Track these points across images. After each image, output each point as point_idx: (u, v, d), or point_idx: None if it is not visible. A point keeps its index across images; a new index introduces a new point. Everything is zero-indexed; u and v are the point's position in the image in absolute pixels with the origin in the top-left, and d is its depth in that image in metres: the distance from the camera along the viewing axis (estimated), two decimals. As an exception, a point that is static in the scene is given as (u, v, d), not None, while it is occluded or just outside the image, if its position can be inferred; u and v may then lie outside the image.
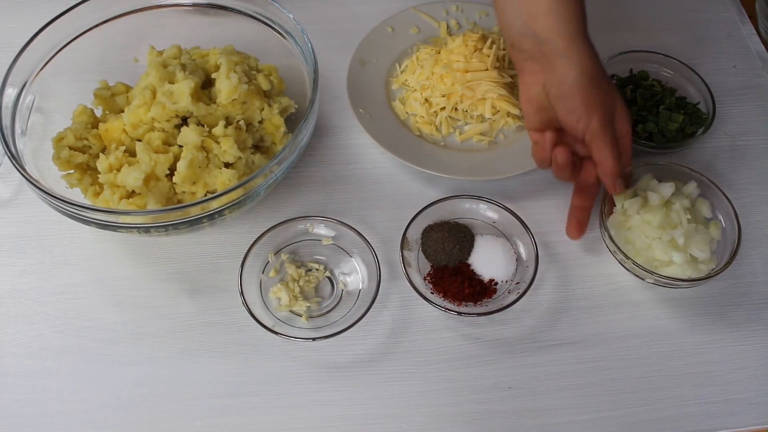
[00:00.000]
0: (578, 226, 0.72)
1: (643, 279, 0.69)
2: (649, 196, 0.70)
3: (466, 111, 0.81)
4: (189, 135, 0.68)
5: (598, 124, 0.64)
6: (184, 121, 0.70)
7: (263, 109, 0.72)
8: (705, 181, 0.72)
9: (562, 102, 0.65)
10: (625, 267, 0.70)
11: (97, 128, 0.72)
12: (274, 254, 0.72)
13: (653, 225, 0.68)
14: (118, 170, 0.68)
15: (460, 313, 0.67)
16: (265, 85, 0.73)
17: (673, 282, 0.67)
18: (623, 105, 0.67)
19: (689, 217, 0.69)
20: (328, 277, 0.72)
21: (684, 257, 0.67)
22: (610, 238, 0.69)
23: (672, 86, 0.83)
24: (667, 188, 0.70)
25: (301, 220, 0.72)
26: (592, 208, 0.73)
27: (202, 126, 0.70)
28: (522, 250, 0.72)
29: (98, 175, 0.69)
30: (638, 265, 0.67)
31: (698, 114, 0.80)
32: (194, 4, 0.79)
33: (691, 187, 0.71)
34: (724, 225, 0.70)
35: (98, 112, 0.75)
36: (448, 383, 0.67)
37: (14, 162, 0.64)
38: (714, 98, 0.79)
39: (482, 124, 0.81)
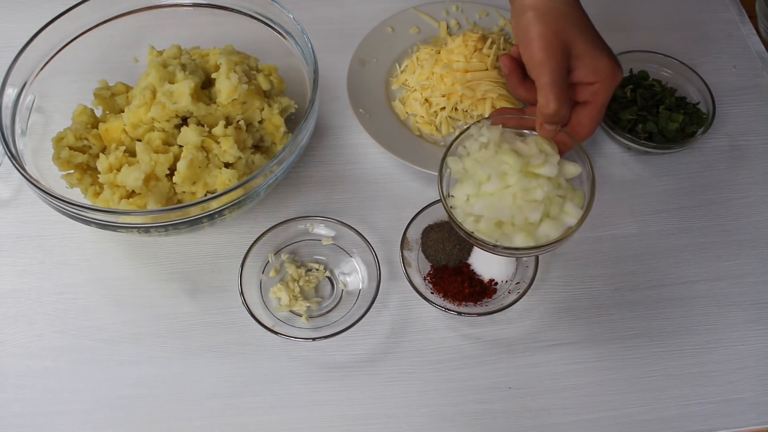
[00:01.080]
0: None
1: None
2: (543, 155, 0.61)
3: (466, 111, 0.81)
4: (189, 135, 0.68)
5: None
6: (184, 121, 0.70)
7: (263, 109, 0.72)
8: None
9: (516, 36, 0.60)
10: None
11: (97, 128, 0.72)
12: (274, 254, 0.72)
13: (501, 158, 0.60)
14: (118, 170, 0.68)
15: (460, 313, 0.67)
16: (265, 85, 0.73)
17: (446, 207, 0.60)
18: (593, 55, 0.59)
19: (521, 196, 0.59)
20: (328, 277, 0.72)
21: (473, 189, 0.60)
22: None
23: (672, 86, 0.83)
24: (549, 167, 0.60)
25: (301, 220, 0.72)
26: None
27: (202, 126, 0.70)
28: (522, 250, 0.72)
29: (98, 175, 0.69)
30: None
31: (698, 114, 0.80)
32: (194, 4, 0.79)
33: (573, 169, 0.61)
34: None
35: (98, 112, 0.75)
36: (448, 383, 0.67)
37: (14, 162, 0.64)
38: (714, 98, 0.79)
39: (482, 124, 0.81)
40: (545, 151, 0.61)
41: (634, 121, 0.79)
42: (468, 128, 0.62)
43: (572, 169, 0.61)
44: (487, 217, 0.59)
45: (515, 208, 0.59)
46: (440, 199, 0.61)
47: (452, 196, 0.61)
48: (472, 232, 0.59)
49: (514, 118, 0.64)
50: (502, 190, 0.59)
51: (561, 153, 0.62)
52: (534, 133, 0.62)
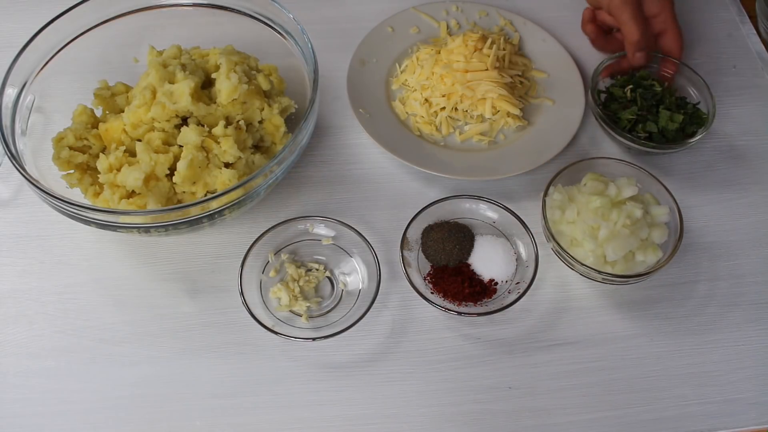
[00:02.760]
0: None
1: (558, 256, 0.70)
2: (611, 183, 0.71)
3: (466, 111, 0.81)
4: (189, 135, 0.68)
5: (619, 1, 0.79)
6: (184, 121, 0.70)
7: (263, 109, 0.72)
8: (674, 209, 0.70)
9: None
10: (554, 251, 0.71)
11: (97, 128, 0.72)
12: (274, 254, 0.72)
13: (590, 206, 0.69)
14: (118, 170, 0.68)
15: (460, 313, 0.67)
16: (265, 85, 0.73)
17: (582, 268, 0.67)
18: None
19: (628, 222, 0.67)
20: (328, 277, 0.72)
21: (594, 246, 0.67)
22: (545, 216, 0.70)
23: (672, 86, 0.83)
24: (629, 189, 0.69)
25: (301, 220, 0.72)
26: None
27: (202, 126, 0.70)
28: (522, 250, 0.72)
29: (98, 175, 0.69)
30: (555, 240, 0.69)
31: (698, 114, 0.79)
32: (194, 4, 0.79)
33: (661, 211, 0.70)
34: (662, 251, 0.69)
35: (98, 112, 0.74)
36: (448, 383, 0.67)
37: (14, 162, 0.64)
38: (714, 98, 0.79)
39: (482, 124, 0.81)
40: (605, 182, 0.71)
41: (634, 121, 0.78)
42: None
43: (661, 210, 0.70)
44: (623, 256, 0.67)
45: (632, 235, 0.67)
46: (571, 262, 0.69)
47: (577, 260, 0.68)
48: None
49: (619, 62, 0.83)
50: (615, 228, 0.67)
51: (671, 77, 0.82)
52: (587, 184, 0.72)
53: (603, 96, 0.82)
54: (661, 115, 0.78)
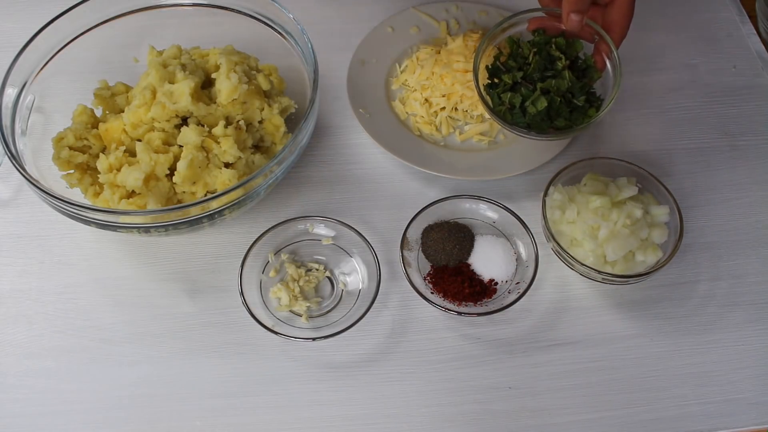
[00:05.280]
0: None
1: (558, 256, 0.70)
2: (611, 183, 0.71)
3: (466, 111, 0.81)
4: (189, 135, 0.68)
5: None
6: (184, 121, 0.70)
7: (263, 109, 0.72)
8: (675, 210, 0.70)
9: None
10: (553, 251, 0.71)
11: (97, 128, 0.72)
12: (274, 254, 0.72)
13: (590, 206, 0.68)
14: (118, 170, 0.68)
15: (460, 313, 0.67)
16: (265, 85, 0.73)
17: (582, 268, 0.67)
18: None
19: (628, 222, 0.67)
20: (328, 277, 0.72)
21: (594, 246, 0.67)
22: (544, 215, 0.70)
23: (592, 72, 0.72)
24: (629, 189, 0.70)
25: (301, 220, 0.72)
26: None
27: (202, 126, 0.70)
28: (522, 250, 0.72)
29: (98, 175, 0.69)
30: (555, 240, 0.68)
31: (584, 112, 0.70)
32: (194, 4, 0.79)
33: (661, 211, 0.70)
34: (662, 251, 0.69)
35: (98, 112, 0.75)
36: (448, 383, 0.67)
37: (14, 162, 0.64)
38: (610, 102, 0.69)
39: (482, 124, 0.81)
40: (605, 182, 0.71)
41: (510, 87, 0.71)
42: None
43: (661, 211, 0.70)
44: (623, 256, 0.67)
45: (632, 235, 0.67)
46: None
47: (577, 260, 0.67)
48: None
49: (549, 20, 0.70)
50: (615, 228, 0.67)
51: (597, 52, 0.70)
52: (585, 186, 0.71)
53: (511, 49, 0.73)
54: (533, 94, 0.69)
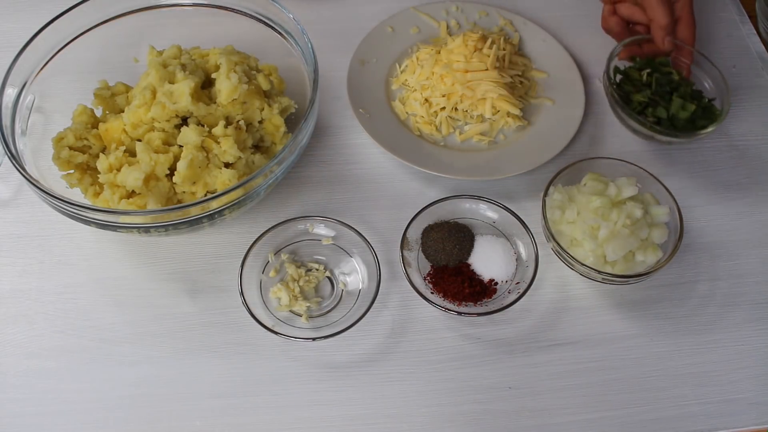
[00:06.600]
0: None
1: (558, 256, 0.70)
2: (611, 183, 0.71)
3: (466, 111, 0.81)
4: (189, 135, 0.68)
5: None
6: (184, 121, 0.70)
7: (263, 109, 0.72)
8: (674, 209, 0.70)
9: None
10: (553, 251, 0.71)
11: (97, 128, 0.72)
12: (274, 254, 0.72)
13: (590, 206, 0.69)
14: (118, 170, 0.68)
15: (460, 313, 0.67)
16: (265, 85, 0.73)
17: (582, 268, 0.67)
18: None
19: (628, 222, 0.68)
20: (328, 277, 0.72)
21: (594, 246, 0.67)
22: (544, 215, 0.70)
23: (690, 78, 0.81)
24: (629, 189, 0.70)
25: (301, 220, 0.72)
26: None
27: (202, 126, 0.70)
28: (522, 250, 0.72)
29: (98, 175, 0.69)
30: (555, 240, 0.69)
31: (712, 109, 0.78)
32: (194, 4, 0.79)
33: (661, 211, 0.70)
34: (662, 252, 0.69)
35: (98, 112, 0.74)
36: (448, 383, 0.67)
37: (14, 162, 0.64)
38: (730, 93, 0.77)
39: (482, 124, 0.81)
40: (605, 182, 0.71)
41: (645, 104, 0.77)
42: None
43: (661, 210, 0.70)
44: (623, 256, 0.67)
45: (632, 234, 0.67)
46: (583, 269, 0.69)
47: (577, 260, 0.68)
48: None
49: (640, 45, 0.82)
50: (615, 228, 0.67)
51: (687, 66, 0.81)
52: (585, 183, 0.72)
53: (618, 77, 0.81)
54: (674, 102, 0.77)
